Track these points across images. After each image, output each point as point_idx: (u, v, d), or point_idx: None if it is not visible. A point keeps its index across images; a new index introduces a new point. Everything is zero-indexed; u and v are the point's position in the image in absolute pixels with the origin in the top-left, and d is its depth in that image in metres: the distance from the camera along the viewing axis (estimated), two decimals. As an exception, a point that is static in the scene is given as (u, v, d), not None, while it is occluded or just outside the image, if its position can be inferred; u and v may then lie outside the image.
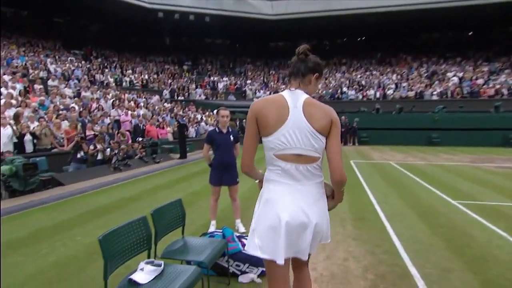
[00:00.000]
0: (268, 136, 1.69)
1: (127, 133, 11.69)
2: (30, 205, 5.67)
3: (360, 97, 23.98)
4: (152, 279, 2.01)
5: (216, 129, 4.11)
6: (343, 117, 19.31)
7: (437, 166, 9.96)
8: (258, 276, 2.88)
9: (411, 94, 22.47)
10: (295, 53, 1.76)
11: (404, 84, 23.53)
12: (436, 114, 18.60)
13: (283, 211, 1.65)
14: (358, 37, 31.38)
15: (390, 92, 23.28)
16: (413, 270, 3.03)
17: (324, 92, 25.14)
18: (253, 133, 1.71)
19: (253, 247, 1.69)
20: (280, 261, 1.62)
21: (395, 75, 25.63)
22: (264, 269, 2.89)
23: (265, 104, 1.70)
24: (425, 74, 24.54)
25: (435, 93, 21.74)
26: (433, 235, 3.95)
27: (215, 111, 4.83)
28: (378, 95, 23.47)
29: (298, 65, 1.75)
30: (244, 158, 1.79)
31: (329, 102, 24.30)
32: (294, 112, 1.67)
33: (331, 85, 26.59)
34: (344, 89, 24.83)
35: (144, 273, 2.05)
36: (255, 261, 2.88)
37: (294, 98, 1.70)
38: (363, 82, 25.55)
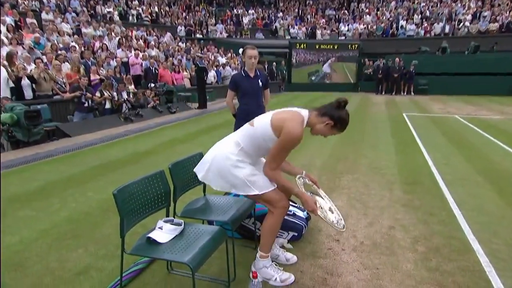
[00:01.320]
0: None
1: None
2: (37, 158, 6.11)
3: (422, 33, 22.50)
4: (172, 239, 2.16)
5: (242, 72, 4.08)
6: (396, 59, 18.44)
7: (516, 122, 9.48)
8: (289, 241, 3.02)
9: (494, 27, 20.53)
10: None
11: (486, 14, 21.49)
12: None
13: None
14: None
15: (464, 25, 21.46)
16: (475, 245, 3.02)
17: (375, 27, 23.83)
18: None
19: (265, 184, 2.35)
20: None
21: (473, 0, 23.36)
22: (295, 233, 3.02)
23: None
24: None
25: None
26: (507, 206, 3.88)
27: (240, 51, 4.77)
28: (447, 29, 21.85)
29: (329, 107, 2.32)
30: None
31: (381, 40, 23.11)
32: None
33: (384, 17, 25.03)
34: (402, 22, 23.32)
35: (163, 232, 2.20)
36: (284, 225, 3.00)
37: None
38: (428, 13, 23.77)
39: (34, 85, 8.55)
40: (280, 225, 2.45)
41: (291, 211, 3.12)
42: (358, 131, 8.28)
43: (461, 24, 21.73)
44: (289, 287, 2.45)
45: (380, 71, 19.15)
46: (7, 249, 2.97)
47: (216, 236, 2.23)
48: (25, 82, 8.38)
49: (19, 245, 3.06)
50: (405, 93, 18.75)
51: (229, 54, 20.56)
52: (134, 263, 2.67)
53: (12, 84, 8.30)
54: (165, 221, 2.27)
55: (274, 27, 25.41)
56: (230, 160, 2.34)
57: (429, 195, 4.21)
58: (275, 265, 2.54)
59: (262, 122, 2.33)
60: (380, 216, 3.63)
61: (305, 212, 3.25)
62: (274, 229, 2.42)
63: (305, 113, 2.32)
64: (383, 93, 19.23)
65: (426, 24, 22.75)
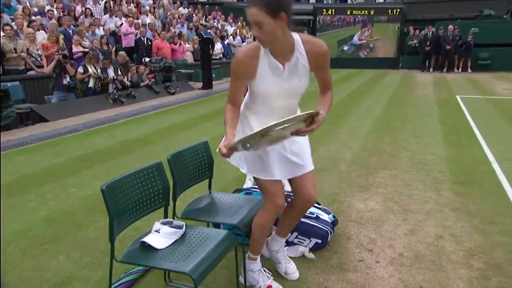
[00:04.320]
0: None
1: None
2: (8, 146, 6.28)
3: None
4: (171, 244, 2.21)
5: (256, 45, 4.08)
6: (450, 26, 18.08)
7: None
8: (311, 249, 3.05)
9: None
10: None
11: None
12: None
13: None
14: None
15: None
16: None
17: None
18: None
19: None
20: None
21: None
22: (319, 240, 3.05)
23: None
24: None
25: None
26: None
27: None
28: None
29: None
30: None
31: (430, 2, 22.64)
32: None
33: (435, -25, 24.44)
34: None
35: (160, 235, 2.25)
36: (305, 229, 3.03)
37: None
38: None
39: (2, 60, 8.67)
40: (271, 224, 2.49)
41: (313, 214, 3.15)
42: (397, 118, 8.18)
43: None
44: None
45: (428, 42, 18.82)
46: (-24, 254, 3.09)
47: (223, 241, 2.26)
48: (-7, 54, 8.50)
49: (-12, 250, 3.17)
50: (460, 70, 18.44)
51: (239, 23, 20.48)
52: (125, 272, 2.73)
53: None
54: (163, 223, 2.32)
55: None
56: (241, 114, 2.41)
57: (488, 199, 4.17)
58: (264, 270, 2.60)
59: None
60: (424, 222, 3.62)
61: (330, 215, 3.27)
62: (263, 228, 2.48)
63: None
64: (431, 69, 18.94)
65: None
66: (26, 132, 7.24)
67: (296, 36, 2.18)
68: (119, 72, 10.41)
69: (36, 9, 11.69)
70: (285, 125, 1.94)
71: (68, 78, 8.92)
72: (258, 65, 2.18)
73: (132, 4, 15.97)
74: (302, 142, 2.45)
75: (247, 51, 2.22)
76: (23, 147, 6.29)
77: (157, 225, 2.31)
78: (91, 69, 9.54)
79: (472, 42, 17.88)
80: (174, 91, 11.82)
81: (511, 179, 4.72)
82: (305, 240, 3.05)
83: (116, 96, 9.76)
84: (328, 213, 3.30)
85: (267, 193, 2.41)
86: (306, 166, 2.45)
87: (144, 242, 2.20)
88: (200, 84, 13.32)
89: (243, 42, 17.92)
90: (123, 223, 2.19)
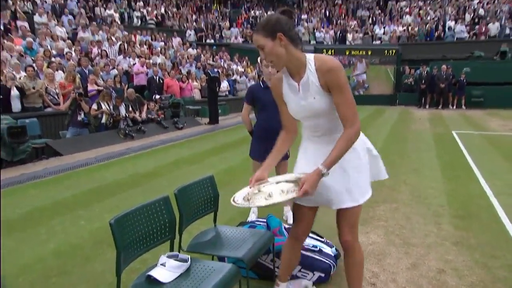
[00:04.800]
0: None
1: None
2: (21, 180, 6.26)
3: (475, 35, 22.31)
4: (176, 278, 2.15)
5: (260, 83, 4.12)
6: (443, 66, 18.30)
7: None
8: (314, 283, 2.96)
9: None
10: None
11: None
12: None
13: None
14: None
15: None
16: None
17: (417, 29, 23.80)
18: None
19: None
20: None
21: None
22: (321, 274, 2.96)
23: None
24: None
25: None
26: None
27: (258, 59, 4.83)
28: (507, 30, 21.56)
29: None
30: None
31: (424, 44, 23.04)
32: None
33: (428, 17, 25.01)
34: (450, 23, 23.20)
35: (166, 269, 2.19)
36: (308, 263, 2.95)
37: None
38: (481, 11, 23.58)
39: (23, 98, 8.83)
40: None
41: (316, 247, 3.08)
42: (397, 153, 8.17)
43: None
44: None
45: (423, 81, 19.02)
46: (-14, 286, 3.02)
47: (227, 275, 2.21)
48: (14, 93, 8.68)
49: (-3, 282, 3.10)
50: (454, 107, 18.51)
51: (245, 62, 20.85)
52: (131, 306, 2.65)
53: (-1, 96, 8.59)
54: (169, 257, 2.27)
55: (297, 30, 25.73)
56: None
57: (488, 232, 4.08)
58: None
59: None
60: (426, 256, 3.53)
61: (333, 249, 3.20)
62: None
63: None
64: (427, 106, 19.04)
65: (479, 25, 22.56)
66: (40, 166, 7.25)
67: (309, 55, 2.16)
68: (130, 109, 10.53)
69: (55, 52, 11.96)
70: (278, 180, 2.25)
71: (82, 115, 9.03)
72: (282, 86, 2.26)
73: (144, 46, 16.34)
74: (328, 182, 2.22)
75: (276, 75, 2.32)
76: (37, 181, 6.27)
77: (162, 258, 2.26)
78: (104, 106, 9.65)
79: (465, 80, 18.05)
80: (182, 126, 11.90)
81: (509, 213, 4.63)
82: (308, 274, 2.96)
83: (127, 131, 9.82)
84: (330, 246, 3.23)
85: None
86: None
87: (150, 276, 2.14)
88: (207, 120, 13.42)
89: (249, 80, 18.18)
90: (130, 256, 2.15)
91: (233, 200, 2.15)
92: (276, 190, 2.13)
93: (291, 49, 2.08)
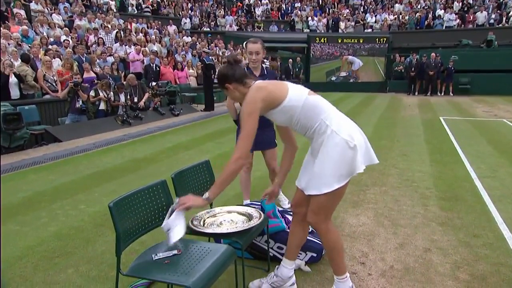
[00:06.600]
0: None
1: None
2: (22, 165, 6.24)
3: (463, 23, 22.25)
4: (173, 255, 2.19)
5: (246, 70, 4.09)
6: (432, 54, 18.28)
7: None
8: (307, 263, 3.00)
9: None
10: None
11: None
12: None
13: None
14: None
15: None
16: (530, 275, 2.95)
17: (407, 18, 23.68)
18: None
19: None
20: None
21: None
22: (314, 254, 3.01)
23: None
24: None
25: None
26: None
27: (243, 44, 4.77)
28: (492, 18, 21.52)
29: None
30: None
31: (414, 32, 22.96)
32: None
33: (418, 6, 24.85)
34: (439, 11, 23.09)
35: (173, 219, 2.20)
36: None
37: None
38: (470, 0, 23.48)
39: (22, 84, 8.72)
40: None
41: (309, 228, 3.10)
42: (386, 138, 8.21)
43: (511, 12, 21.44)
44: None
45: (413, 68, 19.00)
46: (-11, 268, 3.03)
47: (223, 255, 2.23)
48: (12, 80, 8.56)
49: (1, 264, 3.12)
50: (442, 94, 18.54)
51: (239, 50, 20.68)
52: (130, 285, 2.68)
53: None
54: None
55: (291, 18, 25.50)
56: None
57: (472, 213, 4.14)
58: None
59: None
60: (413, 236, 3.59)
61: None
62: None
63: None
64: (416, 93, 19.05)
65: (468, 13, 22.49)
66: (40, 151, 7.21)
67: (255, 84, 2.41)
68: (129, 96, 10.45)
69: (52, 39, 11.79)
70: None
71: (80, 102, 8.97)
72: None
73: (140, 34, 16.15)
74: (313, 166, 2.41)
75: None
76: (37, 166, 6.25)
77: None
78: (101, 93, 9.57)
79: (453, 68, 18.05)
80: (178, 113, 11.85)
81: (492, 194, 4.70)
82: (301, 254, 2.99)
83: (124, 118, 9.78)
84: (322, 227, 3.25)
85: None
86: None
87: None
88: (202, 106, 13.36)
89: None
90: (129, 238, 2.17)
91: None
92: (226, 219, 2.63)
93: (241, 89, 2.39)
